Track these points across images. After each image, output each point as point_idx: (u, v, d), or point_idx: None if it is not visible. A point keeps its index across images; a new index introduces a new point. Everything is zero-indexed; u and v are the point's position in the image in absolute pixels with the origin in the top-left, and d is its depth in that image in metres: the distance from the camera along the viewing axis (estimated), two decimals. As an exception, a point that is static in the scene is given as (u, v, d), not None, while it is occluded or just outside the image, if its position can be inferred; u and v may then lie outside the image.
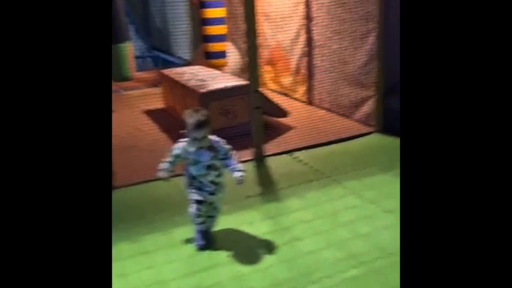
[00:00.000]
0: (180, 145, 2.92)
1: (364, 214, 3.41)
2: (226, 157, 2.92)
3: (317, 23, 5.99)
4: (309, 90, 6.40)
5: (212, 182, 2.94)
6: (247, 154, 4.53)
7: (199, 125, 2.76)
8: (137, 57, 12.08)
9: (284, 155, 4.64)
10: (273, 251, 3.00)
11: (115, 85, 7.01)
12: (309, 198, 3.72)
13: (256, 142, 4.50)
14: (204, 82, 5.37)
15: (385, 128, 5.05)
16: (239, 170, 2.92)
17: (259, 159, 4.50)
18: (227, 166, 2.94)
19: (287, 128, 5.46)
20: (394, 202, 3.44)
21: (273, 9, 6.79)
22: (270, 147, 4.71)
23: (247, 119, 5.00)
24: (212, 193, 2.96)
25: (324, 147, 4.78)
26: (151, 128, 5.76)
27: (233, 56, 7.40)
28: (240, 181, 2.91)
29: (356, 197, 3.68)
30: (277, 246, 3.04)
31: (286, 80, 6.91)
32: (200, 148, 2.85)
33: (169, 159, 2.95)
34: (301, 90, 6.57)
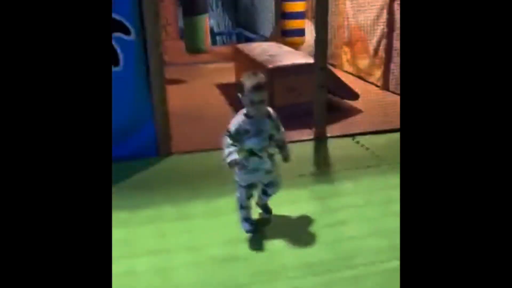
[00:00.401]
0: (238, 119, 2.66)
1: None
2: (278, 128, 2.76)
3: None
4: (386, 74, 6.07)
5: (271, 156, 2.77)
6: (308, 133, 4.41)
7: (258, 87, 2.56)
8: (220, 34, 12.28)
9: (347, 138, 4.45)
10: (314, 231, 2.88)
11: (189, 57, 7.15)
12: (364, 184, 3.53)
13: (317, 122, 4.36)
14: (274, 58, 5.28)
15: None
16: (287, 147, 2.81)
17: (320, 140, 4.36)
18: (280, 145, 2.80)
19: (355, 111, 5.24)
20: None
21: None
22: (333, 129, 4.55)
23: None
24: (269, 171, 2.78)
25: (390, 134, 4.52)
26: (218, 100, 5.81)
27: (312, 34, 7.21)
28: (287, 159, 2.80)
29: (414, 187, 3.44)
30: (320, 227, 2.93)
31: (363, 62, 6.62)
32: (260, 116, 2.66)
33: (229, 142, 2.65)
34: (378, 73, 6.25)
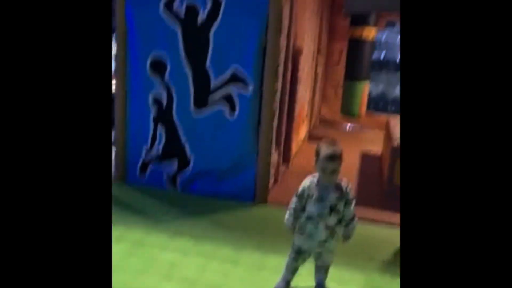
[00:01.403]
0: (307, 182, 2.73)
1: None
2: (348, 203, 2.71)
3: None
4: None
5: (329, 228, 2.72)
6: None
7: (332, 157, 2.59)
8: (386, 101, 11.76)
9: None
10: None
11: (343, 119, 7.27)
12: None
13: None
14: (407, 136, 5.05)
15: None
16: (352, 226, 2.74)
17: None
18: (345, 220, 2.75)
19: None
20: None
21: None
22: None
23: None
24: (324, 241, 2.75)
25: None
26: (346, 168, 5.77)
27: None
28: (347, 238, 2.75)
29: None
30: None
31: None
32: (327, 185, 2.68)
33: (295, 202, 2.75)
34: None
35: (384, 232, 3.96)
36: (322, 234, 2.71)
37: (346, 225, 2.73)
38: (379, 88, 12.35)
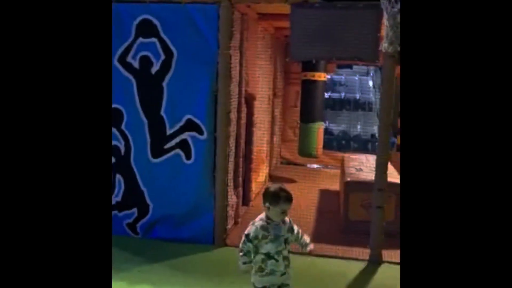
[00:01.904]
0: (257, 224, 2.89)
1: None
2: (292, 229, 2.97)
3: None
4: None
5: (285, 259, 2.92)
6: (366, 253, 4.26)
7: (290, 199, 2.86)
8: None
9: (405, 267, 4.14)
10: None
11: (302, 159, 7.49)
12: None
13: (373, 243, 4.19)
14: (359, 172, 5.29)
15: None
16: (303, 236, 3.01)
17: (374, 262, 4.16)
18: (298, 239, 3.00)
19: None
20: None
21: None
22: (392, 253, 4.28)
23: (392, 218, 4.72)
24: (283, 273, 2.91)
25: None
26: (308, 205, 5.94)
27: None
28: (307, 244, 2.98)
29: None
30: None
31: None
32: (278, 223, 2.90)
33: (245, 248, 2.90)
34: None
35: (339, 265, 4.09)
36: (282, 267, 2.89)
37: (300, 240, 2.99)
38: (340, 127, 12.75)
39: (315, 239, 4.68)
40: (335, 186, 6.69)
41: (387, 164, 4.14)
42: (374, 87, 13.33)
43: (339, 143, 10.34)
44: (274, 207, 2.85)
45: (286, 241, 2.90)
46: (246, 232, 2.88)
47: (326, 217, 5.52)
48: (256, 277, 2.91)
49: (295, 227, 3.00)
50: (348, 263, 4.14)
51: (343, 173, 5.59)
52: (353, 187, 4.92)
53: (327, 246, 4.49)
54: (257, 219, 2.93)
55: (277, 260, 2.87)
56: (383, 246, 4.21)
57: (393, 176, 5.19)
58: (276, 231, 2.87)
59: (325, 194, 6.50)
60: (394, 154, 6.85)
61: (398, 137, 6.85)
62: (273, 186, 2.94)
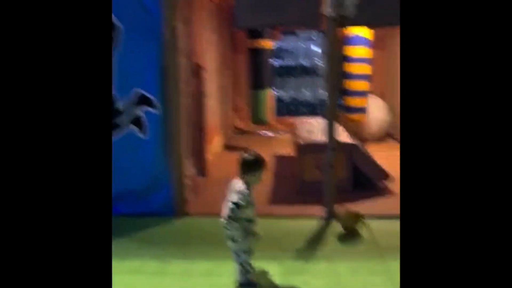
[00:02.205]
0: (242, 196, 2.99)
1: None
2: None
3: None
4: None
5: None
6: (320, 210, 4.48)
7: (266, 164, 3.14)
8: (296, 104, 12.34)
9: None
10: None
11: (255, 127, 7.64)
12: (343, 267, 3.51)
13: (326, 201, 4.42)
14: (311, 134, 5.49)
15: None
16: None
17: (328, 218, 4.40)
18: None
19: (386, 192, 5.14)
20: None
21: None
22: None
23: (345, 175, 4.97)
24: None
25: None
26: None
27: (376, 113, 7.26)
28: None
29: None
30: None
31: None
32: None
33: (237, 215, 2.98)
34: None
35: (298, 225, 4.30)
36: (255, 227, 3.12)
37: None
38: (289, 93, 12.89)
39: (273, 201, 4.94)
40: (289, 150, 6.89)
41: (336, 125, 4.33)
42: (321, 52, 13.53)
43: (289, 109, 10.51)
44: (256, 174, 3.03)
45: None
46: (234, 200, 2.97)
47: (283, 181, 5.72)
48: (245, 241, 3.04)
49: None
50: (305, 221, 4.35)
51: (295, 137, 5.76)
52: (306, 149, 5.10)
53: (285, 207, 4.69)
54: (237, 186, 3.03)
55: (254, 222, 3.09)
56: (336, 202, 4.44)
57: (342, 136, 5.43)
58: (251, 196, 3.06)
59: (279, 159, 6.70)
60: (342, 115, 7.12)
61: (345, 98, 7.09)
62: (248, 155, 3.08)
